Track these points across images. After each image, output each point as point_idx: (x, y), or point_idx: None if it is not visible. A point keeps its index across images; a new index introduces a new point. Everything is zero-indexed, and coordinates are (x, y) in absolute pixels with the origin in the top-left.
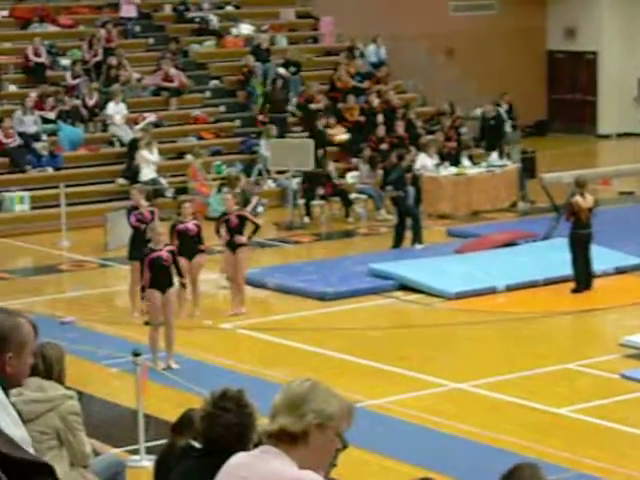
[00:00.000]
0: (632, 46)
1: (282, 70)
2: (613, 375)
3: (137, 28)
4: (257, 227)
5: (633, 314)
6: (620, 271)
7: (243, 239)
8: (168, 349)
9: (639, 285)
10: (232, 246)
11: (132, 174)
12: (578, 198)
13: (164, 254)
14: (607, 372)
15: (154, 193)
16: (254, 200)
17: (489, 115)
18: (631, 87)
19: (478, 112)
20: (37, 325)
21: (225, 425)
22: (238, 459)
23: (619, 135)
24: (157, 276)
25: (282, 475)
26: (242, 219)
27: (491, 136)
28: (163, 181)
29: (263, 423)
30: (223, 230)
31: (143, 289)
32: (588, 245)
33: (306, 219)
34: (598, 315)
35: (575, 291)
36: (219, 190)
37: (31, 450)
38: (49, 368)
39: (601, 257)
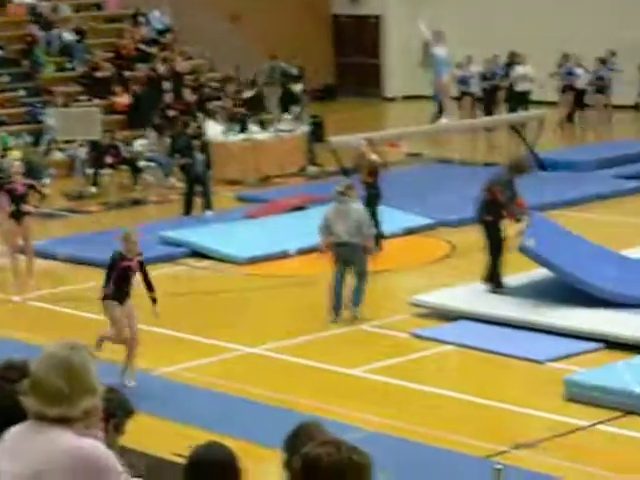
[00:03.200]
0: (417, 11)
1: (68, 36)
2: (404, 334)
3: None
4: (43, 196)
5: (421, 274)
6: (408, 232)
7: (30, 208)
8: None
9: (427, 245)
10: (18, 216)
11: None
12: (374, 156)
13: None
14: (399, 331)
15: None
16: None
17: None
18: (416, 50)
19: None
20: None
21: (10, 396)
22: (15, 432)
23: (405, 97)
24: None
25: (65, 445)
26: (27, 188)
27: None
28: None
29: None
30: (5, 199)
31: None
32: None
33: (93, 188)
34: (388, 276)
35: None
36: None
37: None
38: None
39: (390, 218)
